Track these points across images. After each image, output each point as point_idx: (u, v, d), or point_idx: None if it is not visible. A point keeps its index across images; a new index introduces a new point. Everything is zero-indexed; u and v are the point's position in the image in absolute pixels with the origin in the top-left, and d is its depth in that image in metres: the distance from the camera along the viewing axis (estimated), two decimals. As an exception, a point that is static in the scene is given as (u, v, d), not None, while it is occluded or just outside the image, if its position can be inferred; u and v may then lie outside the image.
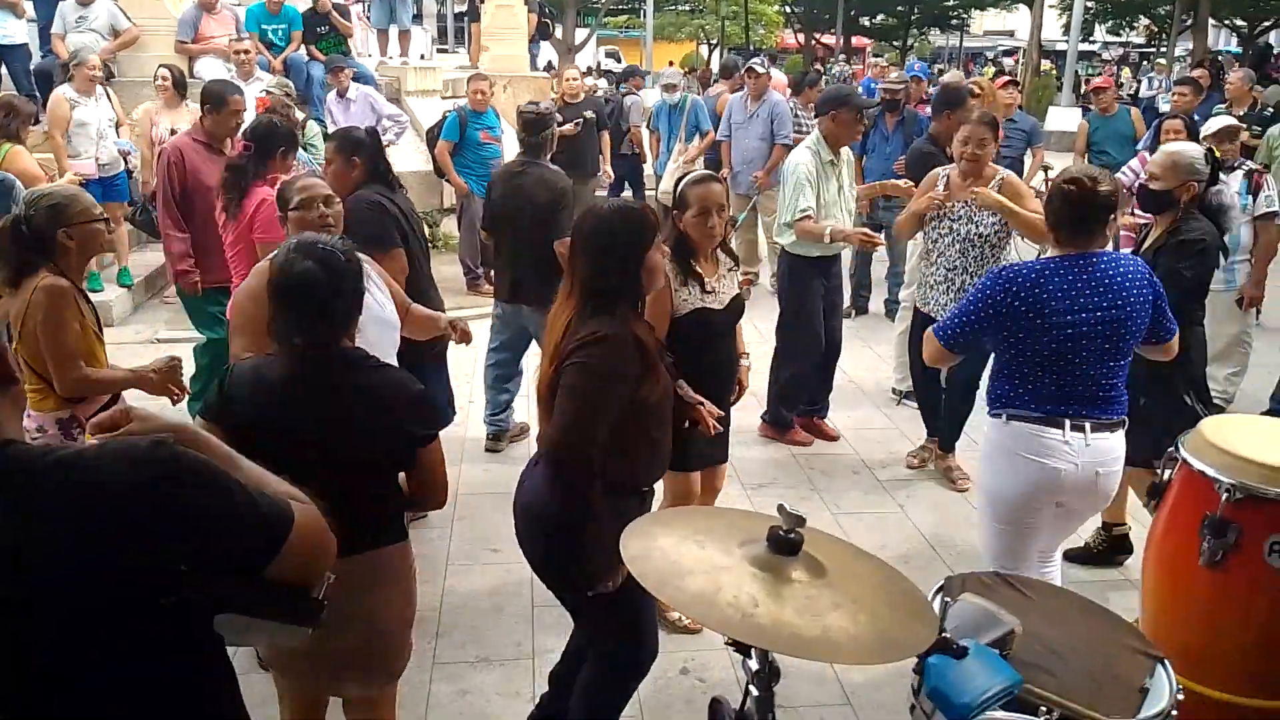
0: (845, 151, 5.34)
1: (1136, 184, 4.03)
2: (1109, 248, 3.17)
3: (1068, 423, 2.98)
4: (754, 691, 1.73)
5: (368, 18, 12.86)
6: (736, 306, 3.60)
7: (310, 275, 2.26)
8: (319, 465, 2.19)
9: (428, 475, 2.44)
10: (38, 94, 8.21)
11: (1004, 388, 3.10)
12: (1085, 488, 3.04)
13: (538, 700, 3.20)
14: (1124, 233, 6.87)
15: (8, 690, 1.30)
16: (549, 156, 5.35)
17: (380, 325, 3.18)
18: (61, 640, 1.28)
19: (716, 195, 3.44)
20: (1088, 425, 2.99)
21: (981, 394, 3.55)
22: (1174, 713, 2.10)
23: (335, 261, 2.30)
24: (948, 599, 2.22)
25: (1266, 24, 26.81)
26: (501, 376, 5.43)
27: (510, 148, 8.53)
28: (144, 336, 7.18)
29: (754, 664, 1.71)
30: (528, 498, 2.74)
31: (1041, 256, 3.24)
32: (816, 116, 5.47)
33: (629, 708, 3.08)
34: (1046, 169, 9.24)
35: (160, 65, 7.40)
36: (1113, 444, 3.05)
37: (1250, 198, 5.66)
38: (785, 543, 1.60)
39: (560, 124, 6.54)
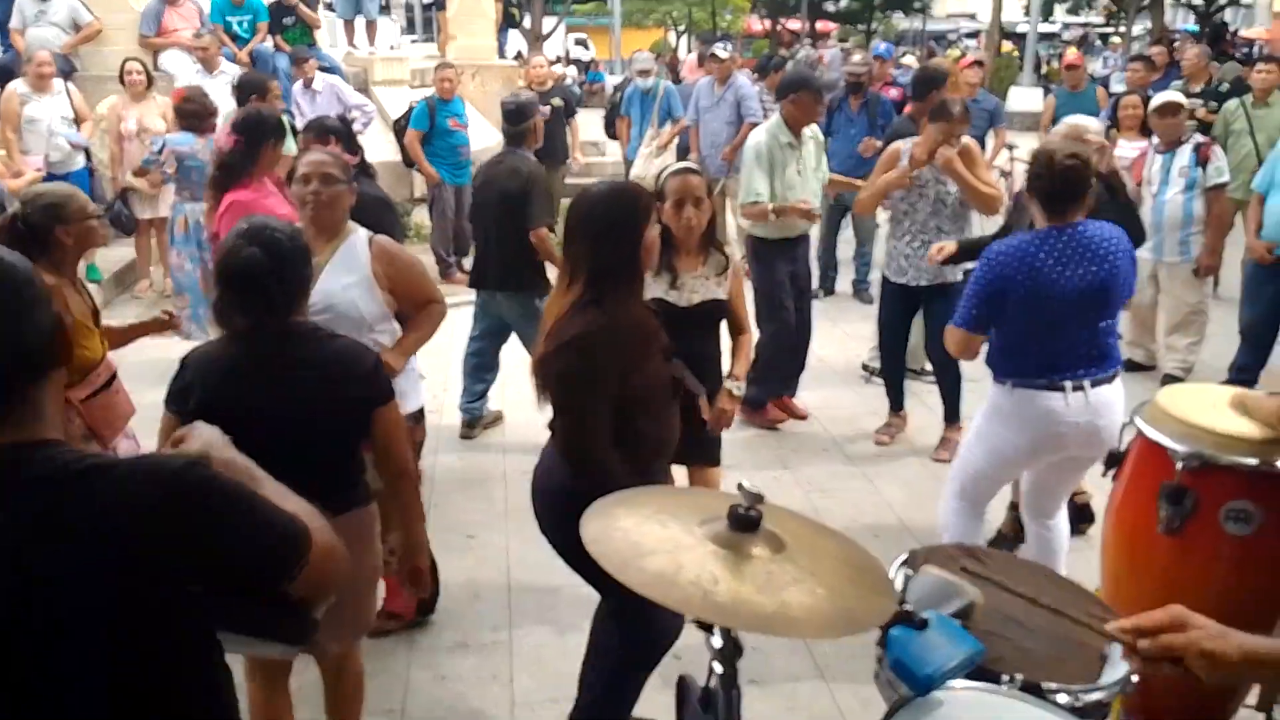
0: (813, 132, 5.38)
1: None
2: None
3: (1069, 384, 3.18)
4: (717, 669, 1.76)
5: (331, 8, 12.77)
6: (704, 311, 3.52)
7: (253, 260, 2.32)
8: (277, 439, 2.22)
9: (386, 437, 2.55)
10: (-3, 91, 8.11)
11: (1007, 356, 3.29)
12: (1088, 439, 3.23)
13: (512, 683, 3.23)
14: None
15: (5, 696, 1.30)
16: (535, 146, 5.31)
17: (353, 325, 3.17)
18: (60, 647, 1.29)
19: (692, 187, 3.44)
20: (1087, 384, 3.20)
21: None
22: (1134, 679, 2.15)
23: (279, 247, 2.37)
24: (910, 571, 2.27)
25: (1222, 1, 27.03)
26: (480, 365, 5.44)
27: (477, 136, 8.52)
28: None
29: (717, 641, 1.74)
30: (545, 483, 2.74)
31: (1027, 230, 3.36)
32: (778, 100, 5.52)
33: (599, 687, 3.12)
34: (1010, 148, 9.34)
35: (128, 59, 7.33)
36: (1112, 395, 3.26)
37: (1200, 169, 5.75)
38: (745, 520, 1.63)
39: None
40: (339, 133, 4.32)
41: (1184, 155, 5.82)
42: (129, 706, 1.35)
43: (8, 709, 1.31)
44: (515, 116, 5.20)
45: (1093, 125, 4.26)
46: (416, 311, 3.38)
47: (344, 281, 3.16)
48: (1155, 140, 6.05)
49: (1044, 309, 3.14)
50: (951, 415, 5.21)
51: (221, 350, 2.43)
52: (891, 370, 5.47)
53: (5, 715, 1.32)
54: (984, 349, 3.39)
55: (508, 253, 5.02)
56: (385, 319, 3.28)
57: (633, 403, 2.57)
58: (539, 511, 2.79)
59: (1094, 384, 3.21)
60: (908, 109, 6.62)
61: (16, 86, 7.17)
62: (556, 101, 8.90)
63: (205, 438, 1.58)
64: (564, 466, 2.60)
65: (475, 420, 5.50)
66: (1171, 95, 6.14)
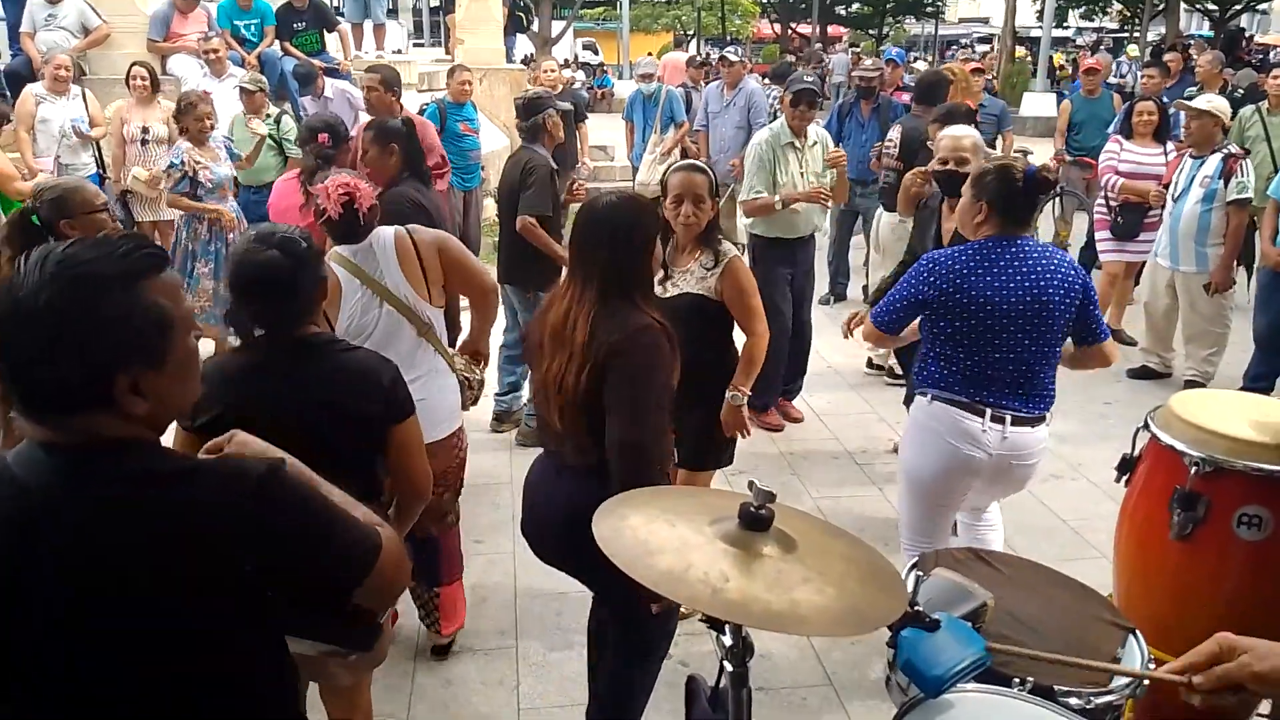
0: (818, 133, 5.37)
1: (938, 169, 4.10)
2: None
3: (988, 412, 3.04)
4: (728, 667, 1.75)
5: (340, 12, 12.80)
6: (681, 304, 3.40)
7: (273, 263, 2.25)
8: (288, 451, 2.20)
9: (404, 455, 2.43)
10: (8, 94, 8.13)
11: (930, 368, 3.16)
12: (999, 476, 3.14)
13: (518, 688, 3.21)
14: (1098, 213, 6.94)
15: (63, 687, 1.30)
16: (554, 144, 5.27)
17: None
18: (140, 649, 1.29)
19: (692, 184, 3.41)
20: (1008, 417, 3.05)
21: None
22: (1145, 682, 2.13)
23: (296, 248, 2.30)
24: (921, 574, 2.25)
25: (1237, 7, 26.98)
26: (511, 358, 5.50)
27: (485, 140, 8.52)
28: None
29: (728, 640, 1.73)
30: (572, 508, 2.34)
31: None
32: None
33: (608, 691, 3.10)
34: (1026, 153, 9.32)
35: (135, 64, 7.34)
36: (1030, 439, 3.10)
37: (1221, 182, 5.67)
38: (756, 518, 1.62)
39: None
40: (398, 133, 4.31)
41: (1211, 165, 5.72)
42: (202, 707, 1.35)
43: (82, 703, 1.31)
44: (526, 110, 5.19)
45: (971, 135, 4.13)
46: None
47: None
48: (1174, 143, 6.00)
49: (968, 319, 3.00)
50: None
51: (235, 362, 2.34)
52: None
53: (79, 709, 1.31)
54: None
55: (508, 246, 5.11)
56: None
57: (668, 399, 2.55)
58: (561, 540, 2.62)
59: (1014, 421, 3.05)
60: (914, 111, 6.61)
61: (34, 89, 7.20)
62: (565, 106, 8.88)
63: (246, 443, 1.57)
64: (598, 482, 2.35)
65: (506, 414, 5.53)
66: (1212, 100, 6.00)
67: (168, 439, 2.32)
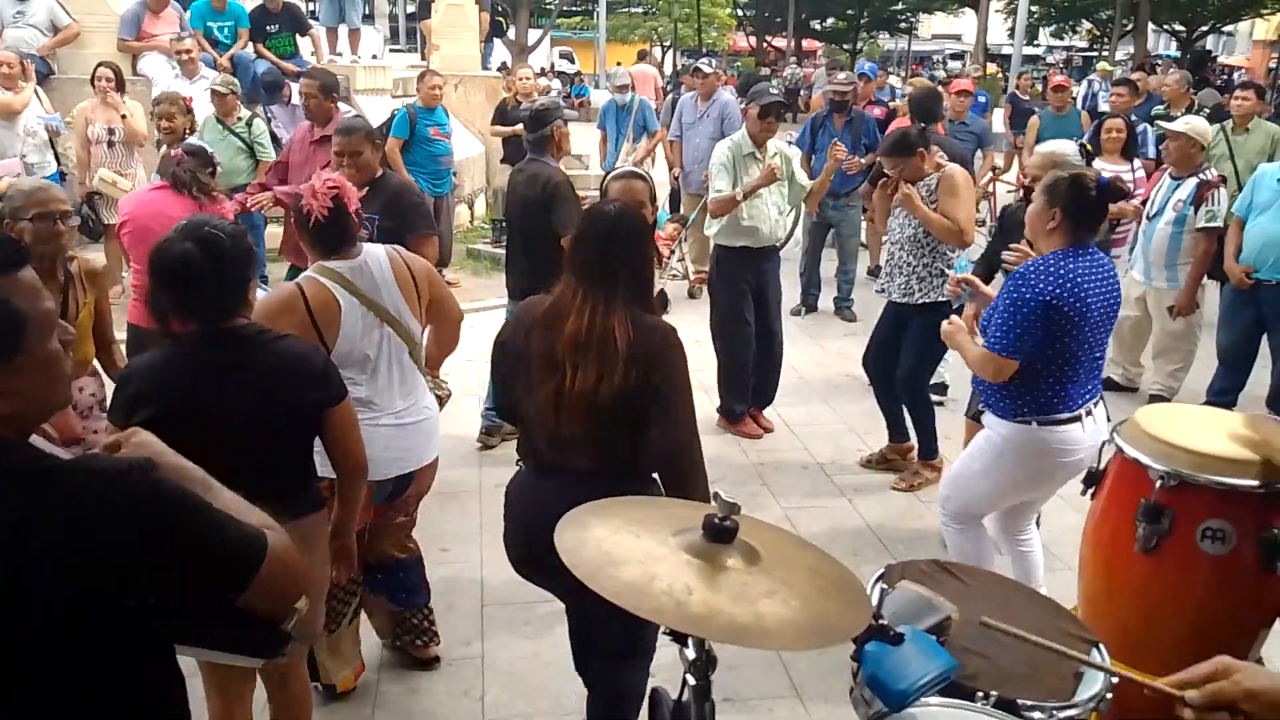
0: (778, 146, 5.39)
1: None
2: None
3: (1084, 412, 3.22)
4: (690, 680, 1.73)
5: (315, 16, 12.75)
6: None
7: (188, 255, 2.27)
8: (228, 445, 2.18)
9: (342, 436, 2.54)
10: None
11: (1032, 393, 3.19)
12: (1093, 457, 3.16)
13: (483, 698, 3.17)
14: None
15: None
16: (563, 155, 5.22)
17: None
18: (9, 649, 1.26)
19: (632, 191, 3.49)
20: (1092, 405, 3.26)
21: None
22: (1108, 695, 2.13)
23: (218, 242, 2.31)
24: (886, 586, 2.25)
25: (1204, 29, 27.42)
26: None
27: (459, 147, 8.49)
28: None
29: (690, 653, 1.71)
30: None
31: (1046, 252, 3.21)
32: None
33: (573, 699, 3.07)
34: (996, 169, 9.41)
35: (100, 64, 7.25)
36: (1102, 414, 3.30)
37: (1191, 209, 5.69)
38: (721, 530, 1.61)
39: (514, 123, 6.49)
40: (372, 135, 4.33)
41: (1186, 189, 5.74)
42: (75, 713, 1.31)
43: None
44: (533, 123, 5.14)
45: (1070, 150, 4.30)
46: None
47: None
48: (1140, 160, 6.04)
49: (1088, 331, 3.12)
50: (928, 452, 5.08)
51: (165, 357, 2.36)
52: (886, 404, 5.26)
53: None
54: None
55: (535, 261, 4.83)
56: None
57: None
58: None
59: (1096, 403, 3.28)
60: (892, 127, 6.68)
61: None
62: (573, 115, 8.91)
63: (146, 444, 1.53)
64: (608, 483, 2.26)
65: (495, 429, 5.45)
66: (1190, 121, 6.00)
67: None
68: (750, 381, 5.64)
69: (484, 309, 7.30)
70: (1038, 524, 3.84)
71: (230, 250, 2.33)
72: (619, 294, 2.46)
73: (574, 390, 2.42)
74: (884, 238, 5.42)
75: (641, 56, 20.00)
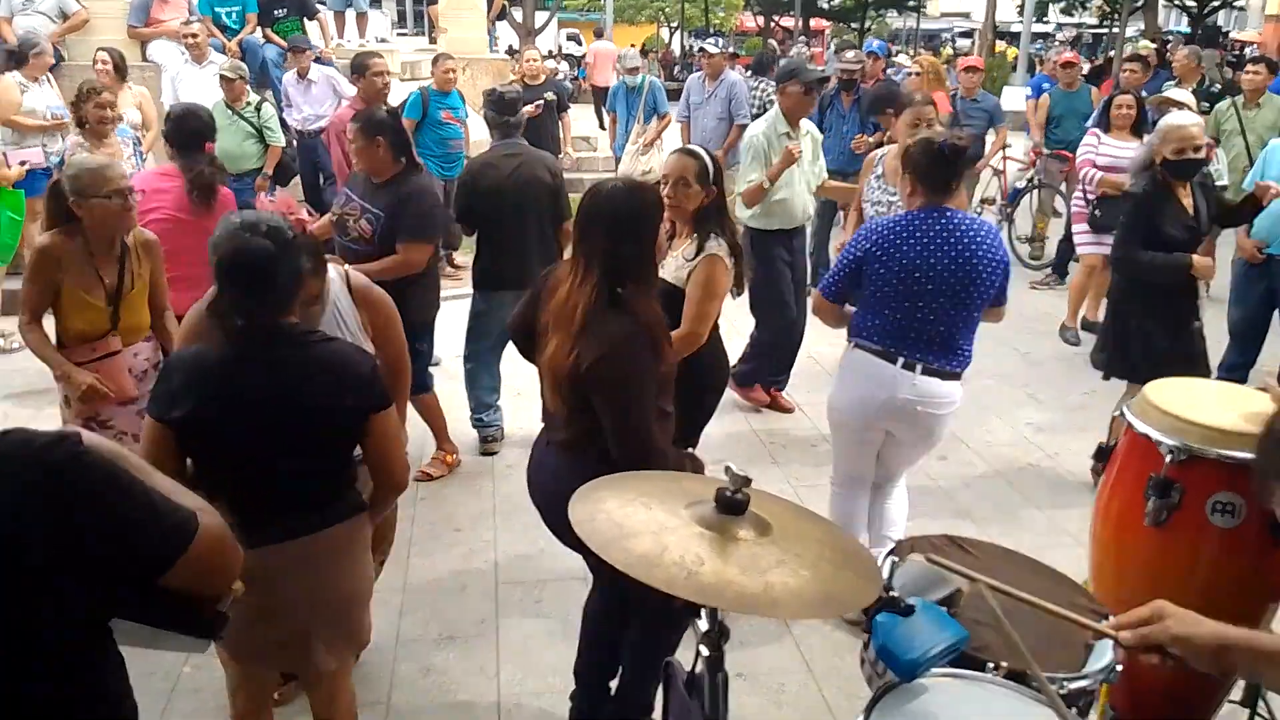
0: (808, 126, 5.40)
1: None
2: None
3: (900, 359, 3.36)
4: (704, 651, 1.76)
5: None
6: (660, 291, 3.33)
7: (262, 251, 2.21)
8: (269, 445, 2.18)
9: (383, 445, 2.41)
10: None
11: (859, 319, 3.49)
12: (906, 418, 3.43)
13: (499, 677, 3.20)
14: (1076, 206, 6.99)
15: None
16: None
17: None
18: None
19: (676, 167, 3.53)
20: (919, 367, 3.35)
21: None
22: (1118, 667, 2.15)
23: (283, 236, 2.27)
24: (897, 559, 2.26)
25: (1215, 4, 27.15)
26: (491, 374, 5.22)
27: (473, 130, 8.48)
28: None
29: (703, 624, 1.74)
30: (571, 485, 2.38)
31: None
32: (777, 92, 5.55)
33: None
34: (1006, 146, 9.36)
35: (100, 49, 7.26)
36: (939, 389, 3.38)
37: None
38: (731, 502, 1.63)
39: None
40: (384, 124, 4.23)
41: None
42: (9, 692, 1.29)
43: None
44: (509, 107, 5.12)
45: (1190, 121, 4.36)
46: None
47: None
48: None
49: (895, 282, 3.30)
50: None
51: (211, 353, 2.29)
52: None
53: None
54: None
55: (542, 245, 4.77)
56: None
57: (660, 391, 2.57)
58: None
59: (924, 370, 3.34)
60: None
61: (14, 77, 7.08)
62: (549, 96, 8.88)
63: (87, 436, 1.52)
64: (592, 467, 2.31)
65: (493, 436, 5.22)
66: (1177, 93, 6.04)
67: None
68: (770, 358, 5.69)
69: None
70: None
71: (292, 241, 2.30)
72: (595, 272, 2.48)
73: (548, 361, 2.54)
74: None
75: (599, 34, 20.09)
